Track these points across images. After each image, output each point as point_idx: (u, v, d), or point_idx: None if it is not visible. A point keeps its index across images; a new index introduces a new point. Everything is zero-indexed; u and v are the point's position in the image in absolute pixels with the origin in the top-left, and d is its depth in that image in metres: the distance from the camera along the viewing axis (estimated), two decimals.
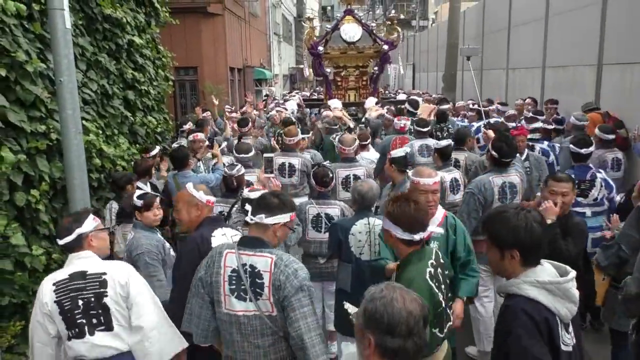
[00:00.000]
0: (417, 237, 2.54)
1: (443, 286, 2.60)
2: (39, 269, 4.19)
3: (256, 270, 2.39)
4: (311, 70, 11.98)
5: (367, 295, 1.61)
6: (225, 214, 4.12)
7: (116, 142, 6.15)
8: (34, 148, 4.41)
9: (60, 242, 2.74)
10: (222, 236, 3.10)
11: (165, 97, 8.64)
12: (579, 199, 4.54)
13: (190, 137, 6.45)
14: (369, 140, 6.81)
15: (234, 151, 5.60)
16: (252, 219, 2.48)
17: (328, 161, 5.63)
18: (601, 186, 4.68)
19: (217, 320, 2.53)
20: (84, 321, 2.61)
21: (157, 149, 6.41)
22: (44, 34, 4.68)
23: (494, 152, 4.30)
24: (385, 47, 11.18)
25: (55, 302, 2.60)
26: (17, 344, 4.00)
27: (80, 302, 2.60)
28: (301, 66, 12.53)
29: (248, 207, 4.22)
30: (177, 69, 13.17)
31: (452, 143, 5.25)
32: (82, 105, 5.20)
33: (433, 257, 2.61)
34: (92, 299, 2.61)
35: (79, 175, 4.07)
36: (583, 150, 4.72)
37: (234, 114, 10.16)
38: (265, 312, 2.38)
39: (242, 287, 2.40)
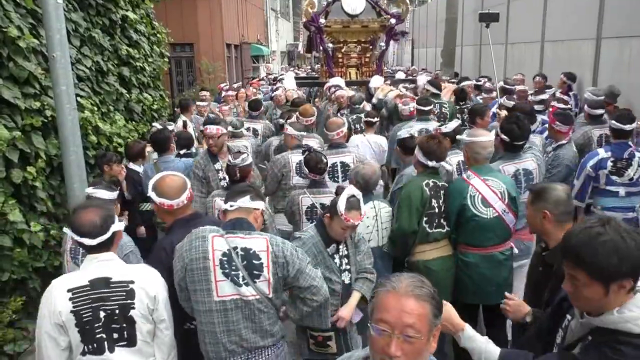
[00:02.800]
0: (430, 163, 3.45)
1: (436, 199, 3.42)
2: (38, 245, 4.22)
3: (252, 252, 2.35)
4: (306, 46, 11.10)
5: None
6: None
7: (112, 119, 6.13)
8: (29, 125, 4.40)
9: (92, 242, 2.24)
10: None
11: (161, 74, 8.59)
12: (614, 177, 4.33)
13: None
14: (376, 119, 5.89)
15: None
16: (232, 205, 2.44)
17: (321, 146, 5.03)
18: (638, 166, 4.36)
19: (199, 312, 2.40)
20: (104, 336, 2.24)
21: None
22: (36, 9, 4.63)
23: (504, 136, 3.76)
24: (392, 20, 10.04)
25: (72, 312, 2.19)
26: (17, 319, 4.05)
27: (102, 314, 2.22)
28: (298, 42, 11.36)
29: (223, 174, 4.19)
30: (173, 46, 13.03)
31: (460, 124, 4.70)
32: (76, 81, 5.17)
33: (438, 181, 3.48)
34: (117, 311, 2.23)
35: (74, 152, 4.05)
36: (627, 127, 4.35)
37: (230, 92, 9.72)
38: (262, 295, 2.36)
39: (235, 271, 2.34)
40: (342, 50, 10.48)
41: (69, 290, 2.20)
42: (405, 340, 1.37)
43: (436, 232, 3.43)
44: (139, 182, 4.88)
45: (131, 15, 7.02)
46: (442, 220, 3.46)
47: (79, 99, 4.92)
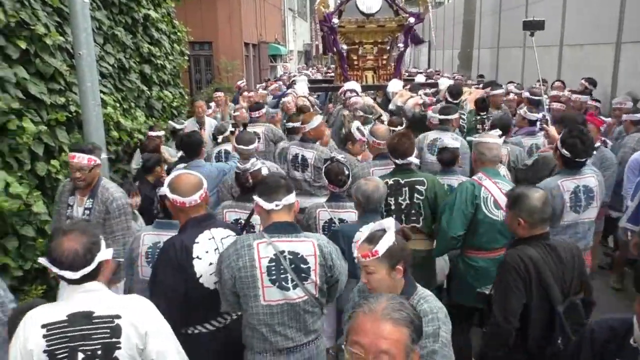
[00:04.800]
0: (397, 161, 3.57)
1: (394, 197, 3.56)
2: None
3: (299, 256, 2.37)
4: (321, 46, 10.28)
5: None
6: (242, 222, 3.28)
7: (133, 115, 6.27)
8: (54, 120, 4.54)
9: (75, 275, 1.89)
10: (209, 240, 2.60)
11: (180, 72, 8.72)
12: None
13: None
14: (400, 128, 5.35)
15: (235, 141, 4.56)
16: (278, 205, 2.40)
17: (344, 155, 4.45)
18: None
19: (245, 312, 2.43)
20: None
21: (162, 132, 5.92)
22: (62, 7, 4.77)
23: (565, 151, 3.44)
24: (411, 20, 9.27)
25: (45, 352, 1.85)
26: None
27: (81, 356, 1.88)
28: (316, 42, 10.59)
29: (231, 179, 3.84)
30: (192, 44, 13.19)
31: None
32: (99, 78, 5.29)
33: (401, 179, 3.57)
34: (99, 352, 1.90)
35: None
36: None
37: (252, 93, 9.09)
38: (309, 295, 2.40)
39: (283, 275, 2.35)
40: (358, 52, 9.77)
41: (43, 326, 1.87)
42: None
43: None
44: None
45: (153, 14, 7.17)
46: (402, 216, 3.57)
47: (102, 95, 5.04)
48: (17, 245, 4.01)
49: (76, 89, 4.81)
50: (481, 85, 8.83)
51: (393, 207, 3.59)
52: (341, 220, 3.47)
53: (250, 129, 5.64)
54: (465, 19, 15.09)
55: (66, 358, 1.88)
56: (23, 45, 4.10)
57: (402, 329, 1.36)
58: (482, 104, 6.26)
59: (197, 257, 2.52)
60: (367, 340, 1.34)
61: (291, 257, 2.37)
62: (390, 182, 3.58)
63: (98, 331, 1.90)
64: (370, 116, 5.98)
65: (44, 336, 1.86)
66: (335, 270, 2.44)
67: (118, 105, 5.82)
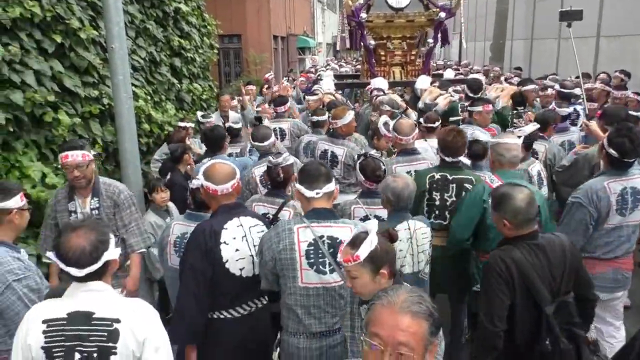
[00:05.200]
0: (447, 159, 3.45)
1: (439, 192, 3.49)
2: None
3: (337, 241, 2.45)
4: (348, 41, 9.89)
5: None
6: (270, 217, 3.28)
7: (163, 107, 6.36)
8: (88, 112, 4.66)
9: (80, 272, 1.88)
10: (238, 227, 2.68)
11: (210, 65, 8.80)
12: None
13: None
14: (437, 124, 4.97)
15: (250, 137, 4.48)
16: (318, 193, 2.51)
17: (375, 150, 4.54)
18: None
19: (284, 293, 2.53)
20: None
21: (191, 124, 5.76)
22: (96, 2, 4.87)
23: (612, 151, 3.25)
24: (442, 14, 8.92)
25: (42, 347, 1.85)
26: None
27: (77, 357, 1.86)
28: (344, 34, 10.37)
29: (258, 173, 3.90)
30: (221, 37, 13.24)
31: (537, 129, 4.20)
32: (131, 71, 5.39)
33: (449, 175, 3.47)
34: (95, 355, 1.87)
35: (129, 139, 4.24)
36: None
37: (275, 87, 8.70)
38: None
39: (321, 259, 2.45)
40: (386, 47, 9.32)
41: (44, 322, 1.87)
42: (398, 358, 1.33)
43: (435, 223, 3.46)
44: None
45: (183, 7, 7.24)
46: (446, 213, 3.49)
47: (133, 88, 5.13)
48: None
49: (109, 82, 4.91)
50: (515, 82, 8.45)
51: (437, 203, 3.52)
52: (377, 217, 3.30)
53: (274, 124, 5.58)
54: (498, 8, 14.75)
55: (62, 356, 1.86)
56: (59, 39, 4.20)
57: (421, 322, 1.37)
58: (519, 98, 6.07)
59: (224, 243, 2.60)
60: (386, 333, 1.35)
61: (329, 241, 2.46)
62: (437, 176, 3.51)
63: (95, 333, 1.87)
64: (397, 111, 5.78)
65: (44, 332, 1.86)
66: None
67: (149, 98, 5.91)
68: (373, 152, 3.87)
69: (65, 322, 1.87)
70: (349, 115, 4.68)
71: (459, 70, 12.57)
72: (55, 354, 1.85)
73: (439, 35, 9.27)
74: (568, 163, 4.16)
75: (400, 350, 1.34)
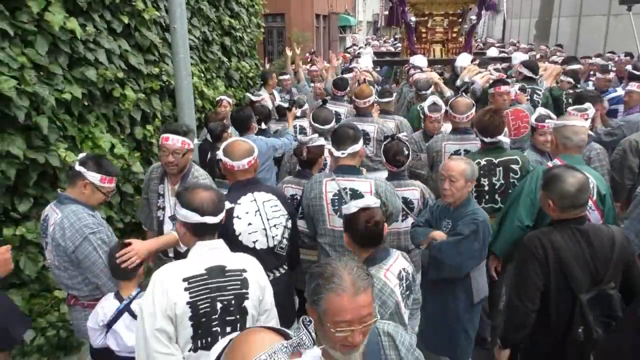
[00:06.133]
0: (486, 139, 3.51)
1: (488, 177, 3.53)
2: None
3: (358, 192, 2.90)
4: (388, 18, 9.91)
5: None
6: (298, 199, 3.35)
7: (214, 85, 6.70)
8: (149, 88, 5.01)
9: (215, 219, 2.14)
10: (251, 202, 2.82)
11: (256, 44, 9.06)
12: None
13: None
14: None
15: (311, 118, 4.44)
16: (344, 153, 2.97)
17: (405, 133, 4.54)
18: None
19: (318, 234, 3.07)
20: (219, 329, 2.09)
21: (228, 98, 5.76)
22: None
23: None
24: None
25: (188, 303, 2.01)
26: None
27: (219, 305, 2.07)
28: (385, 12, 10.07)
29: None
30: (265, 16, 13.42)
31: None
32: None
33: (494, 158, 3.52)
34: (233, 302, 2.10)
35: (188, 113, 4.54)
36: None
37: (313, 67, 8.64)
38: None
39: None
40: (427, 24, 9.15)
41: (184, 280, 2.03)
42: (365, 328, 1.47)
43: (487, 207, 3.43)
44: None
45: None
46: (496, 196, 3.55)
47: None
48: (119, 200, 4.53)
49: (168, 60, 5.26)
50: (560, 61, 8.25)
51: (487, 188, 3.51)
52: (404, 199, 3.37)
53: (332, 107, 5.23)
54: None
55: (208, 307, 2.05)
56: (125, 20, 4.53)
57: (369, 289, 1.50)
58: (574, 77, 5.99)
59: (237, 217, 2.77)
60: (351, 316, 1.45)
61: (351, 193, 2.93)
62: (483, 162, 3.48)
63: (231, 283, 2.10)
64: (427, 92, 5.70)
65: (186, 289, 2.01)
66: (389, 206, 2.90)
67: (202, 75, 6.24)
68: (403, 134, 3.87)
69: (206, 276, 2.06)
70: (373, 94, 4.83)
71: (503, 48, 12.13)
72: (200, 307, 2.03)
73: (483, 10, 8.93)
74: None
75: (366, 321, 1.47)
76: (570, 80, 6.09)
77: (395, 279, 2.16)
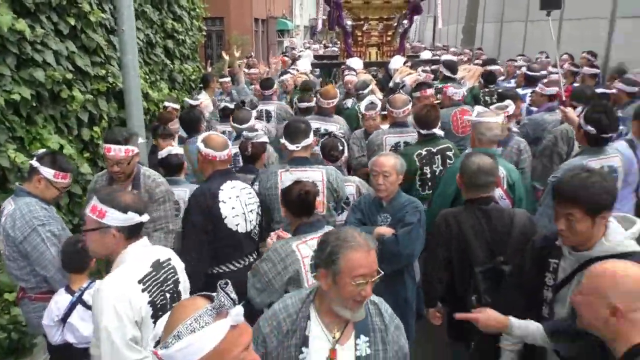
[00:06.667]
0: (423, 131, 3.76)
1: (429, 165, 3.76)
2: None
3: (311, 181, 3.04)
4: (326, 22, 10.01)
5: None
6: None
7: (158, 87, 6.77)
8: (96, 90, 5.06)
9: (145, 217, 2.13)
10: (232, 189, 3.05)
11: (198, 47, 9.17)
12: None
13: None
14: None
15: (231, 119, 4.50)
16: (298, 147, 3.15)
17: (342, 131, 4.67)
18: None
19: (274, 222, 3.17)
20: None
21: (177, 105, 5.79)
22: None
23: (589, 127, 3.23)
24: None
25: (149, 302, 2.04)
26: None
27: (168, 296, 2.14)
28: (323, 17, 10.44)
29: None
30: (205, 20, 13.39)
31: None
32: None
33: (432, 148, 3.77)
34: (174, 289, 2.18)
35: (136, 113, 4.58)
36: None
37: (253, 70, 8.82)
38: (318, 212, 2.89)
39: None
40: (363, 28, 9.56)
41: (139, 282, 2.03)
42: (373, 280, 1.70)
43: (429, 194, 3.69)
44: None
45: None
46: (437, 183, 3.67)
47: None
48: (67, 202, 4.56)
49: (113, 62, 5.32)
50: (480, 62, 8.93)
51: (429, 176, 3.79)
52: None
53: (261, 106, 5.74)
54: None
55: (163, 301, 2.09)
56: (72, 21, 4.58)
57: (374, 249, 1.76)
58: (489, 77, 6.40)
59: (222, 201, 2.98)
60: (368, 269, 1.69)
61: None
62: (423, 152, 3.78)
63: (168, 273, 2.17)
64: (365, 91, 5.75)
65: (143, 290, 2.02)
66: (340, 192, 3.24)
67: (147, 77, 6.31)
68: (340, 132, 4.14)
69: (154, 272, 2.10)
70: (337, 96, 5.15)
71: (436, 52, 12.80)
72: (157, 303, 2.08)
73: (413, 16, 9.42)
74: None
75: (375, 275, 1.71)
76: (481, 80, 6.64)
77: (308, 251, 2.34)
